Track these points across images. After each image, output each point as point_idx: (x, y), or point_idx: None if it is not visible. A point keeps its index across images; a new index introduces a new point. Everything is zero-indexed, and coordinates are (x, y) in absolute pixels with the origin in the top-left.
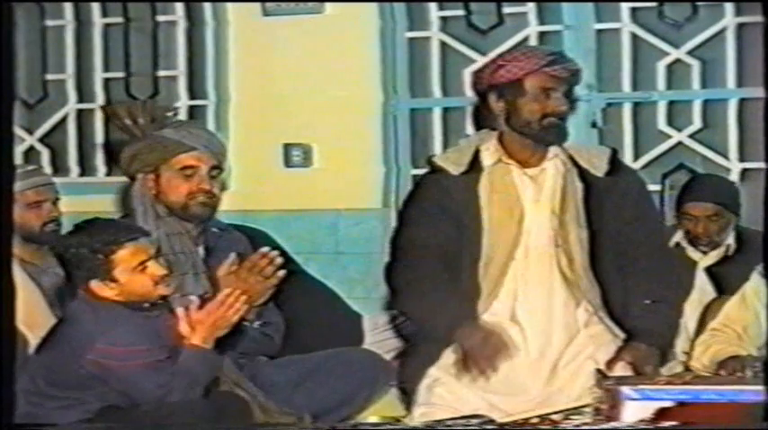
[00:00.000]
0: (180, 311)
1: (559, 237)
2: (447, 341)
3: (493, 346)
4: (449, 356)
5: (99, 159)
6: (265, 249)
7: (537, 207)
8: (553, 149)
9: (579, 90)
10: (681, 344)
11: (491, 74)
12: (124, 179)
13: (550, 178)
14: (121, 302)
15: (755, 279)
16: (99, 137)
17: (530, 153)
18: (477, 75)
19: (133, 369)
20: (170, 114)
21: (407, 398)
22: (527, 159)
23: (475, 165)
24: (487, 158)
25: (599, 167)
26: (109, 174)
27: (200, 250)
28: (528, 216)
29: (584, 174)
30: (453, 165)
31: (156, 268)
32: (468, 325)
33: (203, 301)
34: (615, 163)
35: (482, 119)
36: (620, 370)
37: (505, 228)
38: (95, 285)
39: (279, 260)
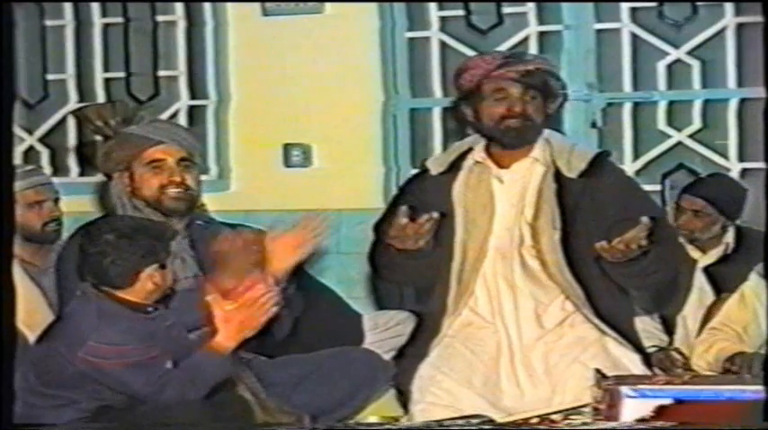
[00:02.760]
0: (213, 300)
1: (530, 238)
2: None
3: None
4: (440, 354)
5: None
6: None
7: (502, 207)
8: (536, 151)
9: (570, 89)
10: (680, 345)
11: (455, 81)
12: None
13: (522, 179)
14: (128, 303)
15: (754, 279)
16: (99, 137)
17: (508, 154)
18: (452, 82)
19: (124, 367)
20: (141, 113)
21: (405, 397)
22: (506, 160)
23: (456, 165)
24: (469, 159)
25: (575, 168)
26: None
27: (186, 242)
28: (497, 215)
29: (559, 176)
30: (437, 165)
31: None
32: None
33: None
34: (597, 164)
35: (463, 124)
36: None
37: (478, 227)
38: (151, 271)
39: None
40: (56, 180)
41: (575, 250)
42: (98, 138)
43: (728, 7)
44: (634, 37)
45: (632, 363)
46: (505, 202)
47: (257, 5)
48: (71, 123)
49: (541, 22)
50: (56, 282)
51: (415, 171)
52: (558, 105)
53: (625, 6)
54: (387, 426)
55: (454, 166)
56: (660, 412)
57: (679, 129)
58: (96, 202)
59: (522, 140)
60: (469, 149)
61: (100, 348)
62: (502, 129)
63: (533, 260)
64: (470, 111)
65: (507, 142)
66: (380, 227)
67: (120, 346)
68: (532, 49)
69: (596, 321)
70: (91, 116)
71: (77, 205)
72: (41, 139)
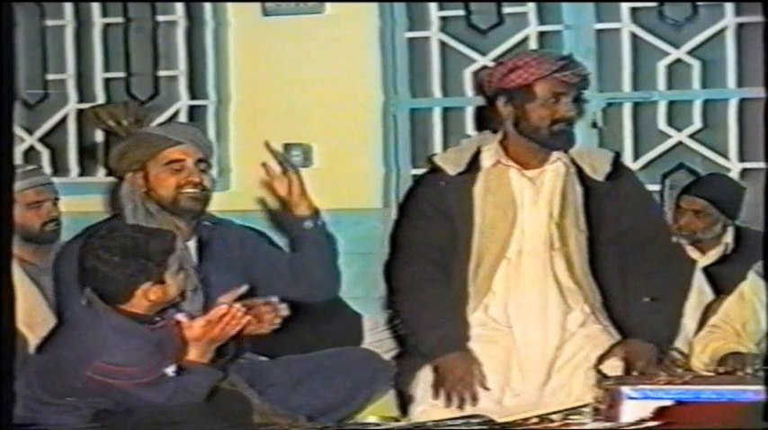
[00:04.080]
0: (182, 319)
1: (558, 239)
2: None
3: (466, 375)
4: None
5: (99, 159)
6: (274, 299)
7: (534, 209)
8: (556, 152)
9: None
10: (680, 345)
11: (501, 78)
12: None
13: (549, 181)
14: (133, 314)
15: (753, 277)
16: (99, 137)
17: (532, 155)
18: (485, 77)
19: (133, 388)
20: (151, 115)
21: (406, 397)
22: (528, 162)
23: (473, 165)
24: (487, 159)
25: (600, 171)
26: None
27: (191, 244)
28: (523, 218)
29: (584, 178)
30: (452, 165)
31: (182, 272)
32: (447, 353)
33: (192, 317)
34: (617, 167)
35: (487, 121)
36: (613, 366)
37: (497, 230)
38: (146, 287)
39: (284, 313)
40: (56, 180)
41: (597, 252)
42: (102, 138)
43: (728, 7)
44: (634, 37)
45: None
46: (533, 204)
47: (257, 5)
48: (71, 123)
49: (541, 22)
50: (53, 286)
51: (415, 171)
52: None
53: (625, 6)
54: (387, 427)
55: (471, 167)
56: (660, 412)
57: (679, 129)
58: (107, 203)
59: (569, 144)
60: (478, 149)
61: (108, 369)
62: (553, 131)
63: (561, 262)
64: (511, 108)
65: (556, 145)
66: (397, 237)
67: (129, 367)
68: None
69: (608, 324)
70: (103, 116)
71: (77, 205)
72: (41, 139)
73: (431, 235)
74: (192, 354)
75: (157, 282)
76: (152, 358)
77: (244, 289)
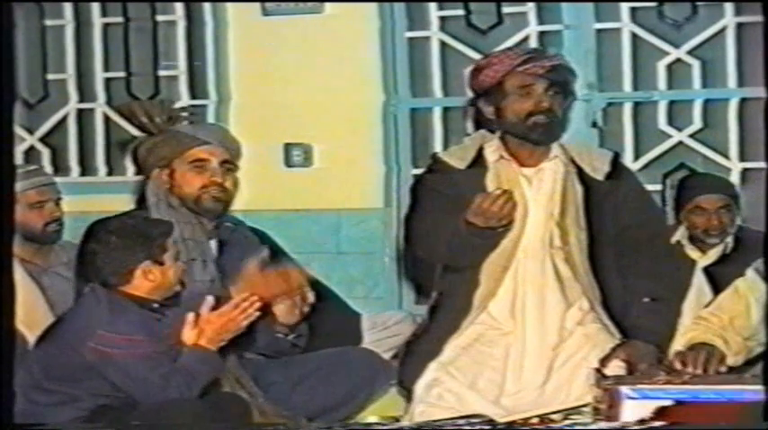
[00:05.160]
0: (190, 317)
1: (558, 238)
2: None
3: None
4: (447, 355)
5: (100, 159)
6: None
7: (533, 207)
8: (554, 150)
9: (578, 88)
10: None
11: (474, 80)
12: (123, 179)
13: (548, 179)
14: (134, 298)
15: (751, 273)
16: (100, 136)
17: (528, 153)
18: (468, 81)
19: (133, 358)
20: (185, 114)
21: (407, 397)
22: (526, 159)
23: (479, 161)
24: (491, 155)
25: (600, 170)
26: (110, 173)
27: (213, 243)
28: (529, 215)
29: (584, 177)
30: (458, 160)
31: (181, 262)
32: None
33: (217, 303)
34: (616, 166)
35: (480, 122)
36: (616, 367)
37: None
38: (147, 266)
39: (311, 300)
40: (57, 179)
41: (596, 251)
42: (139, 135)
43: (728, 7)
44: (634, 37)
45: None
46: (534, 202)
47: (257, 5)
48: (72, 123)
49: (541, 21)
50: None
51: (415, 171)
52: (570, 103)
53: (625, 6)
54: (387, 426)
55: (477, 162)
56: (660, 412)
57: (679, 129)
58: (135, 199)
59: (549, 137)
60: (481, 146)
61: (110, 337)
62: (529, 126)
63: (561, 261)
64: (491, 108)
65: (535, 138)
66: (410, 224)
67: (132, 336)
68: None
69: (608, 322)
70: (137, 112)
71: (77, 205)
72: (42, 139)
73: (446, 226)
74: (202, 340)
75: (156, 262)
76: (150, 335)
77: (266, 251)
